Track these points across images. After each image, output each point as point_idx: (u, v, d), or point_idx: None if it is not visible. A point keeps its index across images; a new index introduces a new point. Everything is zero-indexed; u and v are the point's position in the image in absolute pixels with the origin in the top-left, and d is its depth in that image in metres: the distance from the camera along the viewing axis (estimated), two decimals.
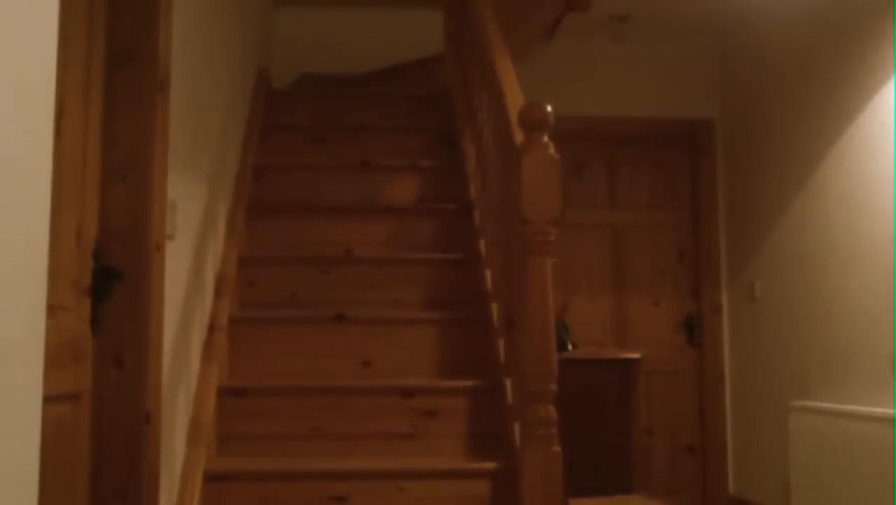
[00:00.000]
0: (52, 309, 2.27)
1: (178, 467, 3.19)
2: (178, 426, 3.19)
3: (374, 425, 3.63)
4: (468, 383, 3.71)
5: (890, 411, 4.55)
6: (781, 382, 5.63)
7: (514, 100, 3.48)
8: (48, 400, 1.79)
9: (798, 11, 5.56)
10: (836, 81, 5.18)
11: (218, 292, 3.87)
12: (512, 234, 3.36)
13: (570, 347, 5.59)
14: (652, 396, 6.22)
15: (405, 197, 4.76)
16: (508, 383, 3.52)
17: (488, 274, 4.04)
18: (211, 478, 3.29)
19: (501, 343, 3.69)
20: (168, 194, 2.92)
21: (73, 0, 2.44)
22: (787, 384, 5.57)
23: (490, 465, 3.36)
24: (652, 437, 6.20)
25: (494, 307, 3.85)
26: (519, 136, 3.22)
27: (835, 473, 4.81)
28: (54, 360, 2.25)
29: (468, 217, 4.49)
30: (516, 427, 3.27)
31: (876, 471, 4.50)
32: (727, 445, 6.30)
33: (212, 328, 3.72)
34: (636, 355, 5.40)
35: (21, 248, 1.42)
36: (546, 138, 3.13)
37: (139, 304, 2.70)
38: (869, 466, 4.53)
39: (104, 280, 2.63)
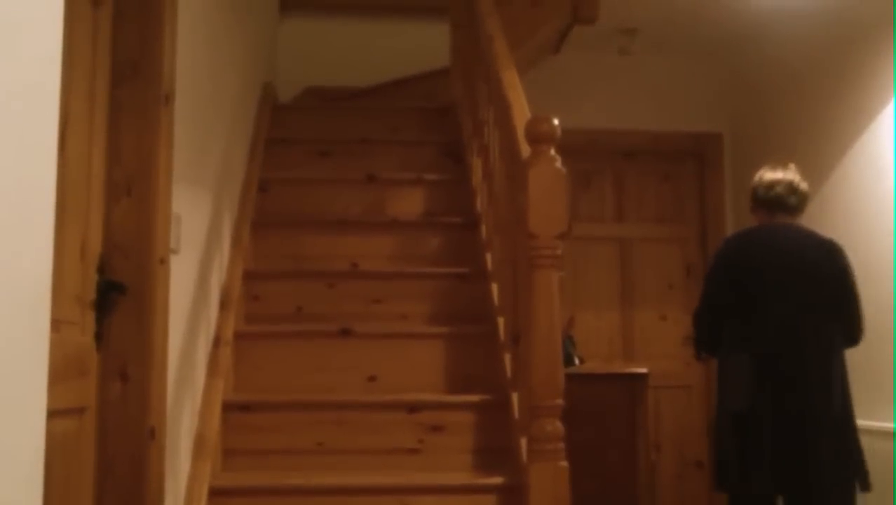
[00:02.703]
0: (57, 323, 2.26)
1: (182, 482, 3.18)
2: (182, 441, 3.18)
3: (379, 440, 3.61)
4: (474, 398, 3.69)
5: (891, 425, 4.53)
6: None
7: (521, 113, 3.47)
8: (52, 414, 1.77)
9: (805, 26, 5.55)
10: (843, 97, 5.16)
11: (223, 306, 3.86)
12: (519, 248, 3.35)
13: (576, 361, 5.57)
14: (659, 411, 6.20)
15: (411, 211, 4.75)
16: (515, 398, 3.50)
17: (495, 288, 4.02)
18: (216, 493, 3.27)
19: (508, 358, 3.68)
20: (172, 208, 2.91)
21: (78, 13, 2.44)
22: None
23: (497, 480, 3.35)
24: (659, 452, 6.18)
25: (501, 321, 3.84)
26: (525, 150, 3.20)
27: None
28: (59, 374, 2.24)
29: (474, 231, 4.48)
30: (523, 442, 3.25)
31: (879, 484, 4.47)
32: None
33: (217, 342, 3.71)
34: (643, 370, 5.37)
35: (25, 261, 1.42)
36: (553, 152, 3.12)
37: (143, 318, 2.69)
38: (882, 481, 4.50)
39: (108, 294, 2.62)
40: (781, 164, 4.06)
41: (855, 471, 3.74)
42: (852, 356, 4.90)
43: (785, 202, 3.93)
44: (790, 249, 3.81)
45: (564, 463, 3.06)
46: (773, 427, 3.63)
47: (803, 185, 3.97)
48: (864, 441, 4.60)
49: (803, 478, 3.61)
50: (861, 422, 4.79)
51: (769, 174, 3.98)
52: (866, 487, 3.77)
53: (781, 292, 3.73)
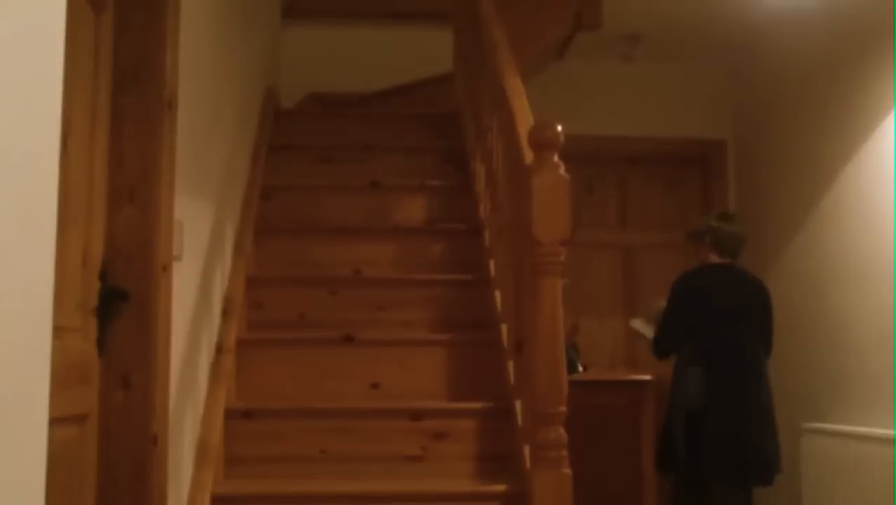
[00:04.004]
0: (59, 330, 2.24)
1: (185, 490, 3.17)
2: (185, 448, 3.17)
3: (382, 448, 3.60)
4: (478, 405, 3.68)
5: (891, 433, 4.51)
6: (793, 403, 5.59)
7: (524, 119, 3.47)
8: (54, 422, 1.76)
9: (808, 33, 5.55)
10: (848, 103, 5.15)
11: (225, 313, 3.85)
12: (522, 254, 3.34)
13: (580, 368, 5.56)
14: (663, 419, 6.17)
15: (414, 217, 4.74)
16: (518, 405, 3.49)
17: (498, 295, 4.02)
18: (218, 501, 3.27)
19: (511, 365, 3.67)
20: (175, 215, 2.91)
21: (80, 19, 2.44)
22: (799, 406, 5.53)
23: (500, 487, 3.33)
24: None
25: (504, 329, 3.83)
26: (529, 156, 3.20)
27: (848, 496, 4.77)
28: (61, 381, 2.23)
29: (478, 238, 4.47)
30: (526, 449, 3.24)
31: (890, 493, 4.46)
32: None
33: (219, 349, 3.71)
34: (647, 377, 5.36)
35: (27, 268, 1.41)
36: (556, 158, 3.11)
37: (146, 325, 2.68)
38: (882, 488, 4.49)
39: (111, 301, 2.62)
40: (732, 214, 5.30)
41: (777, 455, 4.74)
42: (863, 364, 4.91)
43: (734, 250, 4.98)
44: (734, 285, 4.89)
45: (568, 470, 3.04)
46: (720, 422, 4.63)
47: (744, 235, 5.06)
48: (865, 448, 4.60)
49: (742, 460, 4.62)
50: (861, 429, 4.79)
51: (727, 226, 5.00)
52: (771, 477, 4.73)
53: (727, 319, 4.78)
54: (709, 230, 5.01)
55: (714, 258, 4.99)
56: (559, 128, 3.11)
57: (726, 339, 4.76)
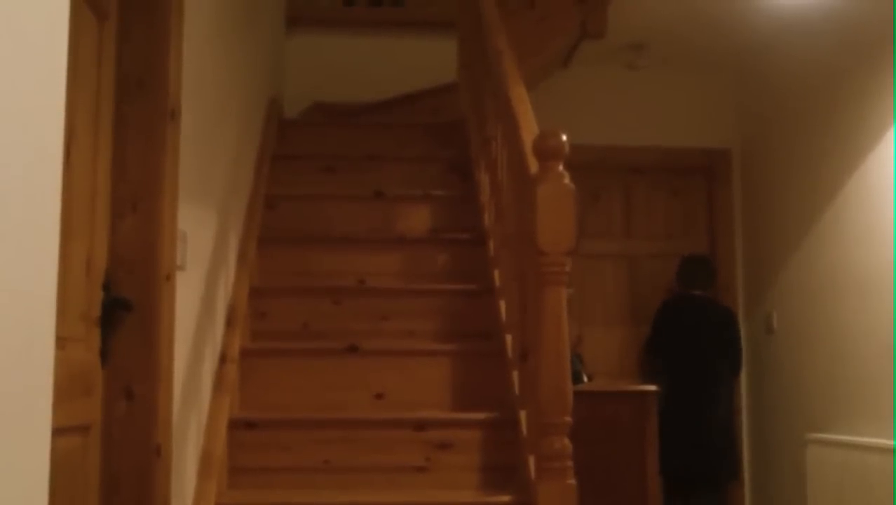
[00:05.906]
0: (62, 340, 2.24)
1: (189, 501, 3.16)
2: (188, 459, 3.16)
3: (387, 458, 3.59)
4: (482, 416, 3.67)
5: (891, 442, 4.50)
6: (799, 414, 5.57)
7: (529, 129, 3.45)
8: (57, 432, 1.75)
9: (813, 43, 5.54)
10: (852, 114, 5.15)
11: (229, 323, 3.85)
12: (527, 264, 3.33)
13: (585, 379, 5.55)
14: None
15: (419, 227, 4.73)
16: (523, 416, 3.48)
17: (503, 305, 4.01)
18: None
19: (516, 375, 3.65)
20: (178, 224, 2.90)
21: (83, 27, 2.43)
22: (805, 416, 5.52)
23: (505, 498, 3.32)
24: None
25: (509, 339, 3.82)
26: (534, 166, 3.19)
27: None
28: (64, 392, 2.22)
29: (482, 247, 4.46)
30: (531, 460, 3.23)
31: (880, 499, 4.45)
32: (744, 479, 6.23)
33: (223, 360, 3.70)
34: (652, 387, 5.35)
35: (30, 278, 1.40)
36: (561, 167, 3.10)
37: (149, 335, 2.68)
38: (888, 498, 4.48)
39: (114, 311, 2.61)
40: (700, 257, 6.27)
41: (732, 459, 5.93)
42: (868, 374, 4.90)
43: (703, 283, 6.15)
44: (701, 311, 6.03)
45: (573, 481, 3.03)
46: (682, 426, 5.67)
47: (705, 272, 6.21)
48: (883, 460, 4.59)
49: (698, 460, 5.70)
50: (861, 438, 4.78)
51: (691, 266, 6.17)
52: (734, 475, 5.97)
53: (693, 339, 5.92)
54: (678, 269, 6.22)
55: (684, 288, 6.14)
56: (564, 137, 3.09)
57: (687, 354, 5.87)
